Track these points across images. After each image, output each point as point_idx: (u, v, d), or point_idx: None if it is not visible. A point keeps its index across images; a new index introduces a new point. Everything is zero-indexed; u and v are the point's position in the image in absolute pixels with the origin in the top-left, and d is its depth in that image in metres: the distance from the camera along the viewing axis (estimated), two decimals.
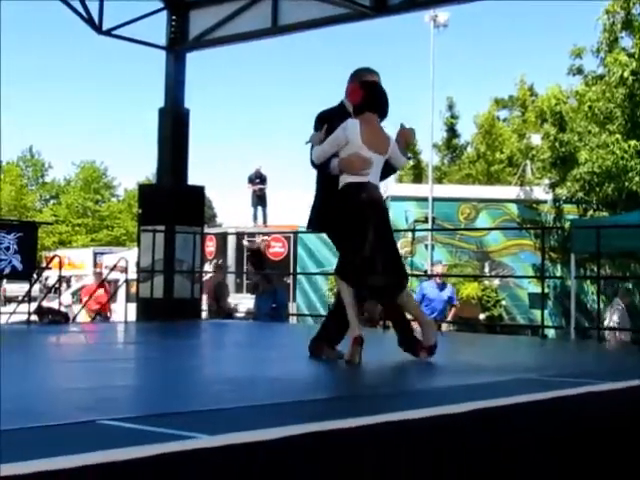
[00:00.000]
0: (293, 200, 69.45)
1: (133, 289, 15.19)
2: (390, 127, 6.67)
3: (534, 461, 4.25)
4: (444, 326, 14.62)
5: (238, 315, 16.12)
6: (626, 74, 21.06)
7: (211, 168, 62.03)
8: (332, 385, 5.46)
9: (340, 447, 3.39)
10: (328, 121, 6.45)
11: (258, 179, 25.94)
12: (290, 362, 6.48)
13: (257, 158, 66.18)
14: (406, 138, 6.66)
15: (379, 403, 4.32)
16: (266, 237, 23.96)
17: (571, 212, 23.10)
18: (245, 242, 22.85)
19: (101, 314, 16.50)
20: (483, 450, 4.00)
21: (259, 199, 25.74)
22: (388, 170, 6.60)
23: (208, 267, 21.49)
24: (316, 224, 6.84)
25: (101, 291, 16.62)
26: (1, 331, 10.78)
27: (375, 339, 6.58)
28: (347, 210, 6.17)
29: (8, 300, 33.75)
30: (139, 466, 2.76)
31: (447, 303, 15.09)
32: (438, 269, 16.86)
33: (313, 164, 6.49)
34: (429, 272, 22.31)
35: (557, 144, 22.69)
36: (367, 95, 6.33)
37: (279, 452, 3.18)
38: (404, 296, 6.44)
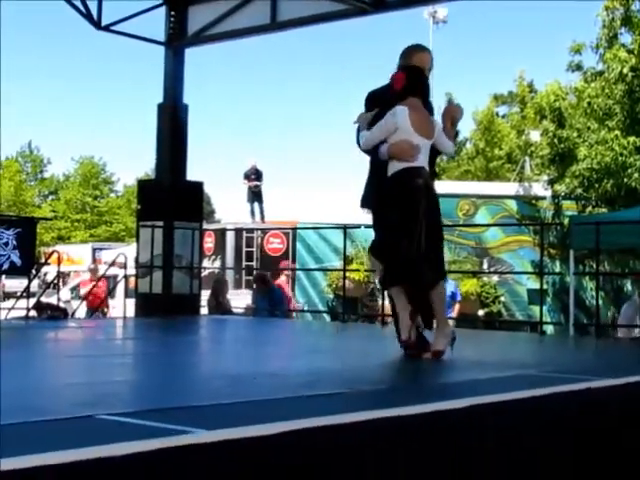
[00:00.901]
0: (291, 196, 69.44)
1: (132, 285, 15.19)
2: None
3: (533, 457, 4.26)
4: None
5: (237, 311, 16.10)
6: (625, 70, 21.04)
7: (210, 164, 62.06)
8: (330, 380, 5.45)
9: (339, 442, 3.39)
10: (379, 102, 6.46)
11: (254, 175, 25.91)
12: (288, 358, 6.48)
13: (256, 154, 66.09)
14: (453, 114, 6.63)
15: (378, 399, 4.32)
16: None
17: (570, 208, 23.07)
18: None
19: (98, 309, 16.50)
20: (482, 446, 4.00)
21: (255, 195, 25.71)
22: (434, 154, 6.57)
23: (207, 263, 21.50)
24: (368, 202, 6.79)
25: (97, 287, 16.61)
26: (0, 328, 10.79)
27: (374, 334, 6.58)
28: (403, 195, 6.17)
29: (7, 296, 33.76)
30: (137, 461, 2.76)
31: (450, 299, 15.09)
32: None
33: (360, 147, 6.48)
34: None
35: (556, 140, 22.66)
36: (410, 80, 6.33)
37: (277, 447, 3.18)
38: (439, 290, 6.43)
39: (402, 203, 6.17)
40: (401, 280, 6.23)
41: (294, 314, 18.40)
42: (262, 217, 25.62)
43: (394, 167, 6.22)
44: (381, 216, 6.49)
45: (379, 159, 6.35)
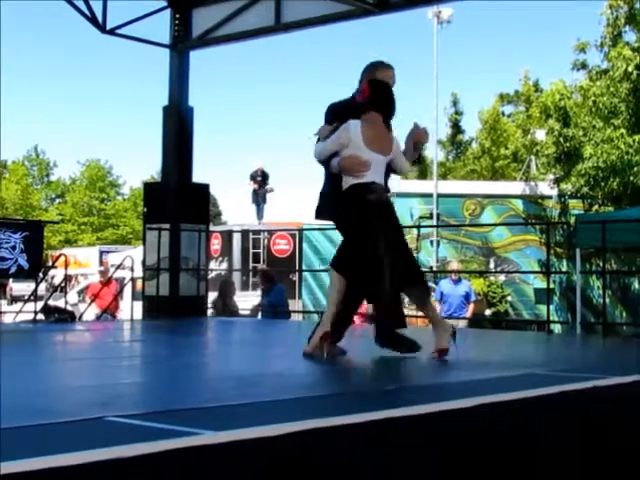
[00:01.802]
0: (297, 196, 69.44)
1: (139, 287, 15.21)
2: (399, 127, 6.65)
3: (541, 455, 4.26)
4: (462, 323, 14.59)
5: (243, 312, 16.10)
6: (630, 68, 21.06)
7: (216, 166, 62.11)
8: (336, 381, 5.46)
9: (344, 443, 3.40)
10: (340, 114, 6.45)
11: (259, 177, 25.91)
12: (294, 359, 6.49)
13: (261, 155, 66.16)
14: (418, 138, 6.61)
15: (384, 399, 4.33)
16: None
17: (576, 207, 23.09)
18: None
19: (108, 312, 16.50)
20: (490, 445, 4.00)
21: (259, 196, 25.71)
22: (388, 173, 6.54)
23: (214, 265, 21.51)
24: (324, 213, 6.81)
25: (107, 289, 16.62)
26: (1, 330, 10.82)
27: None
28: (355, 213, 6.15)
29: (14, 299, 33.88)
30: (146, 462, 2.77)
31: (464, 299, 15.09)
32: (453, 265, 16.89)
33: (315, 157, 6.50)
34: (434, 269, 22.39)
35: (562, 139, 22.69)
36: (373, 95, 6.30)
37: (283, 448, 3.19)
38: (423, 296, 6.45)
39: (353, 221, 6.18)
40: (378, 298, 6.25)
41: (301, 315, 18.41)
42: (261, 217, 25.62)
43: (346, 182, 6.23)
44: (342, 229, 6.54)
45: (331, 171, 6.41)
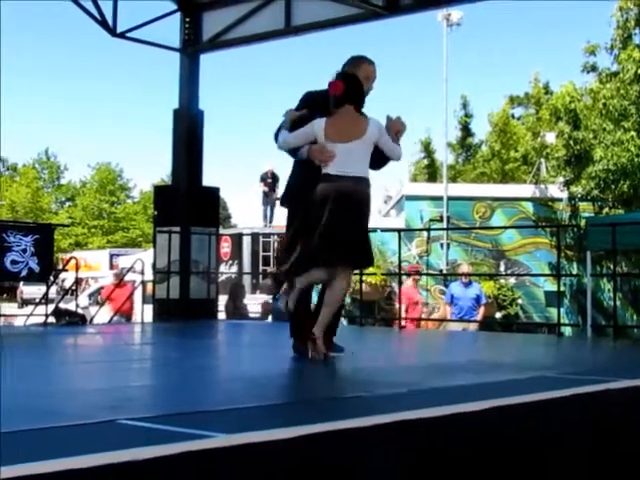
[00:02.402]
0: None
1: (149, 290, 15.23)
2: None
3: (552, 459, 4.26)
4: (473, 325, 14.57)
5: (253, 315, 16.12)
6: None
7: (226, 169, 62.12)
8: (346, 384, 5.46)
9: (355, 445, 3.40)
10: (313, 104, 6.63)
11: (270, 179, 25.91)
12: (304, 361, 6.49)
13: (272, 158, 66.27)
14: (396, 128, 6.68)
15: (395, 401, 4.32)
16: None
17: (586, 210, 23.05)
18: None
19: (122, 315, 16.53)
20: (501, 448, 4.00)
21: (270, 200, 25.71)
22: (383, 159, 6.64)
23: (224, 268, 21.53)
24: (286, 202, 6.98)
25: (121, 291, 16.62)
26: (12, 333, 10.85)
27: (390, 337, 6.58)
28: (309, 200, 6.33)
29: (25, 302, 33.92)
30: (157, 465, 2.78)
31: (475, 302, 15.04)
32: (464, 268, 16.87)
33: (276, 143, 6.61)
34: (444, 272, 22.38)
35: (572, 142, 22.65)
36: (348, 89, 6.45)
37: (294, 451, 3.19)
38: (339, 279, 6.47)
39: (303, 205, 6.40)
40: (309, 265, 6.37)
41: None
42: (271, 220, 25.62)
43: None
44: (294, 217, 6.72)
45: (300, 159, 6.55)
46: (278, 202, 25.63)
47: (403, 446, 3.56)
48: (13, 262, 11.18)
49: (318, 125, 6.36)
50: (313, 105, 6.61)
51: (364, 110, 6.63)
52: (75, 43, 76.14)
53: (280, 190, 25.59)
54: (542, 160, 28.64)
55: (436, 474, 3.69)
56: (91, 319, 14.89)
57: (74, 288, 14.91)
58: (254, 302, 17.95)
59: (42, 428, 3.23)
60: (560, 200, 23.89)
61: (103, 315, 15.78)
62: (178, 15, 13.66)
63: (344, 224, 6.28)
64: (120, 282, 16.80)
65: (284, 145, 6.51)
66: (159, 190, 15.34)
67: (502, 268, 23.47)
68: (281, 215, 25.92)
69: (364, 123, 6.44)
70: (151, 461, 2.76)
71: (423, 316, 16.92)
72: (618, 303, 14.49)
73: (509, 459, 4.04)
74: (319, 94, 6.74)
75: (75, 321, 12.49)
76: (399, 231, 13.36)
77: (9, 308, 28.38)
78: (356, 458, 3.39)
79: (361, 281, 13.11)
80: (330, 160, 6.29)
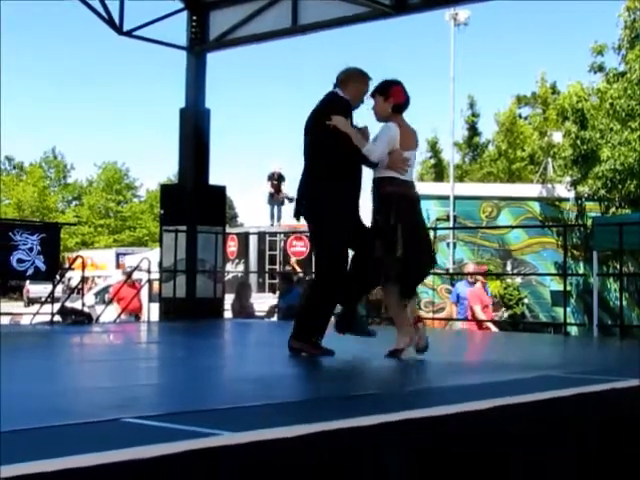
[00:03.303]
0: None
1: (155, 289, 15.23)
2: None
3: (557, 457, 4.25)
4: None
5: (259, 314, 16.12)
6: None
7: (232, 168, 62.17)
8: (353, 384, 5.45)
9: (362, 444, 3.40)
10: (350, 111, 6.71)
11: (276, 181, 25.86)
12: (310, 361, 6.49)
13: (279, 157, 66.24)
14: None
15: (402, 400, 4.32)
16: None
17: (593, 209, 23.01)
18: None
19: (131, 313, 16.53)
20: (506, 446, 3.99)
21: (275, 201, 25.67)
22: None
23: (230, 267, 21.52)
24: (311, 219, 6.84)
25: (130, 290, 16.62)
26: (19, 332, 10.87)
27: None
28: (395, 206, 6.44)
29: (31, 301, 33.96)
30: (163, 463, 2.78)
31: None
32: (470, 268, 16.85)
33: (372, 162, 6.56)
34: (451, 271, 22.36)
35: (579, 142, 22.61)
36: (407, 97, 6.67)
37: (300, 449, 3.19)
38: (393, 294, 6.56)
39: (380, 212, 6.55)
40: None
41: None
42: (279, 219, 25.60)
43: (380, 174, 6.56)
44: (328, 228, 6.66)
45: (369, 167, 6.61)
46: (286, 201, 25.76)
47: (407, 444, 3.56)
48: (19, 261, 11.19)
49: (395, 133, 6.48)
50: (350, 111, 6.70)
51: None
52: (81, 42, 76.20)
53: (285, 190, 25.59)
54: (549, 160, 28.62)
55: (440, 473, 3.69)
56: (97, 318, 14.89)
57: (80, 287, 14.92)
58: (260, 301, 17.95)
59: (47, 427, 3.23)
60: (567, 200, 23.85)
61: (110, 314, 15.78)
62: (185, 14, 13.67)
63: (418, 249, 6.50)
64: (128, 280, 16.81)
65: (382, 157, 6.51)
66: (165, 189, 15.33)
67: (508, 268, 23.44)
68: (287, 214, 25.98)
69: (415, 133, 6.74)
70: (156, 459, 2.76)
71: (429, 315, 16.89)
72: (624, 303, 14.45)
73: (514, 458, 4.04)
74: (344, 99, 6.74)
75: (81, 320, 12.51)
76: None
77: (16, 307, 28.38)
78: (362, 456, 3.39)
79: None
80: (408, 168, 6.52)
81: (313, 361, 6.45)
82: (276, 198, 25.58)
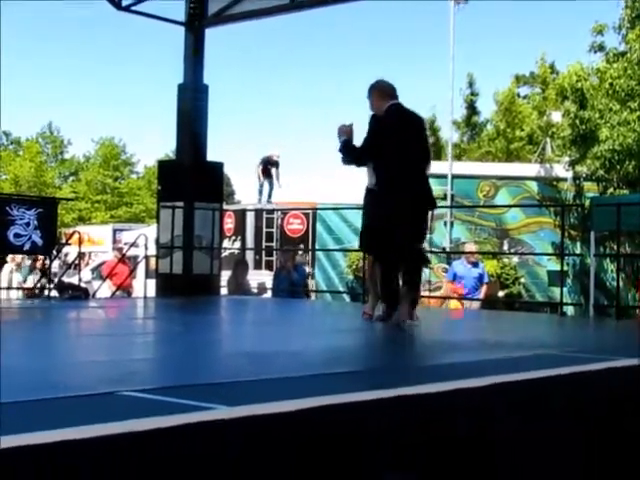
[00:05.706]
0: (312, 176, 69.55)
1: (152, 265, 15.23)
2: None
3: (554, 435, 4.26)
4: (475, 304, 14.67)
5: (254, 291, 16.15)
6: None
7: (230, 146, 61.98)
8: (350, 360, 5.46)
9: (356, 419, 3.40)
10: None
11: (269, 165, 25.72)
12: (307, 337, 6.50)
13: (276, 136, 66.12)
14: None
15: (397, 377, 4.33)
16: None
17: (591, 190, 22.99)
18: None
19: (123, 290, 16.52)
20: (504, 424, 4.01)
21: (266, 176, 25.56)
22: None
23: (227, 244, 21.54)
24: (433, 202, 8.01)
25: (123, 267, 16.62)
26: (16, 307, 10.88)
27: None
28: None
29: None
30: (158, 436, 2.78)
31: (478, 281, 15.11)
32: (471, 247, 16.88)
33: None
34: (447, 250, 22.37)
35: (577, 121, 22.56)
36: None
37: (296, 424, 3.20)
38: None
39: None
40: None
41: (314, 295, 18.45)
42: (269, 196, 25.55)
43: None
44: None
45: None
46: (276, 185, 25.67)
47: (404, 422, 3.57)
48: (16, 235, 11.18)
49: None
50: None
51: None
52: (80, 16, 75.78)
53: (274, 174, 25.46)
54: (547, 139, 28.57)
55: (434, 451, 3.70)
56: (94, 293, 14.89)
57: (77, 262, 14.92)
58: (257, 278, 17.98)
59: (43, 399, 3.24)
60: (565, 180, 23.83)
61: (105, 290, 15.79)
62: None
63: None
64: (122, 257, 16.80)
65: None
66: (163, 165, 15.30)
67: (505, 247, 23.46)
68: (286, 192, 25.97)
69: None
70: (152, 432, 2.77)
71: (425, 293, 16.94)
72: (621, 284, 14.44)
73: (511, 435, 4.05)
74: None
75: (78, 295, 12.49)
76: None
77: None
78: (357, 431, 3.40)
79: (364, 258, 13.08)
80: None
81: (310, 337, 6.46)
82: (262, 181, 25.51)
